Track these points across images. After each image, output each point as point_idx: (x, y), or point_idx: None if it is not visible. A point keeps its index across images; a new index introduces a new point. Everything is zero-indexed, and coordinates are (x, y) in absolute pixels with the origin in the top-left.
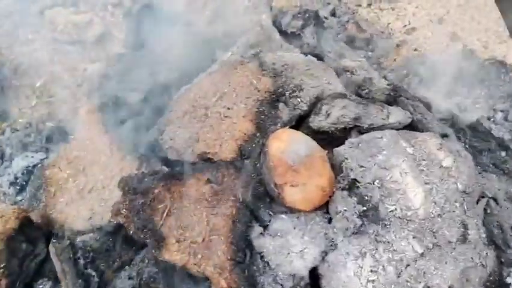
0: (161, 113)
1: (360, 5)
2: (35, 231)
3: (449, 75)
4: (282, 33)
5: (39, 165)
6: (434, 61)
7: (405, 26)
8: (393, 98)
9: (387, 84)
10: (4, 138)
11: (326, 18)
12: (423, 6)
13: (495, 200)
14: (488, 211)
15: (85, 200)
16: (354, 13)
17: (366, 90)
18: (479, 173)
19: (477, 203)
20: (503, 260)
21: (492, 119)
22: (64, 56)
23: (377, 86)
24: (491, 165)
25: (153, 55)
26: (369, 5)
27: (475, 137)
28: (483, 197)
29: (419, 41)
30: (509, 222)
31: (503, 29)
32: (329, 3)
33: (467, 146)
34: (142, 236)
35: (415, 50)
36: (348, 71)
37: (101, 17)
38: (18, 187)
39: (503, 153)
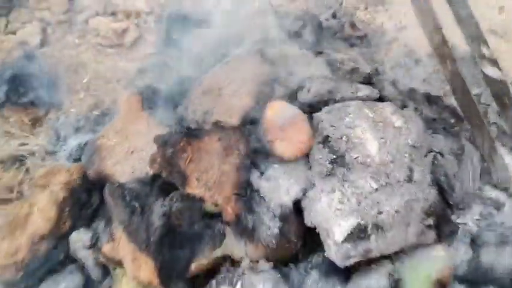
0: (186, 96)
1: (358, 8)
2: (91, 185)
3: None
4: (285, 32)
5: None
6: (417, 54)
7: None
8: (369, 80)
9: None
10: (59, 124)
11: (326, 20)
12: None
13: (441, 154)
14: (436, 163)
15: (129, 160)
16: (352, 15)
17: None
18: (430, 135)
19: (426, 156)
20: (451, 202)
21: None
22: (106, 57)
23: (359, 73)
24: (441, 129)
25: (179, 53)
26: (366, 8)
27: (430, 107)
28: (431, 152)
29: (408, 37)
30: (453, 170)
31: None
32: (330, 8)
33: (422, 114)
34: (171, 177)
35: (404, 45)
36: (338, 62)
37: (136, 24)
38: (73, 159)
39: (453, 120)
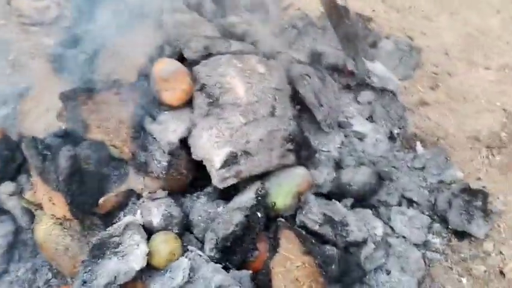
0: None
1: None
2: (14, 145)
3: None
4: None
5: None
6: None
7: None
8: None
9: None
10: None
11: None
12: None
13: (309, 76)
14: (305, 83)
15: (43, 118)
16: None
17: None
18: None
19: (291, 97)
20: (320, 117)
21: None
22: (29, 35)
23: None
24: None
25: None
26: None
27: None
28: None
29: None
30: (318, 88)
31: None
32: None
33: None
34: (75, 126)
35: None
36: (230, 25)
37: (57, 2)
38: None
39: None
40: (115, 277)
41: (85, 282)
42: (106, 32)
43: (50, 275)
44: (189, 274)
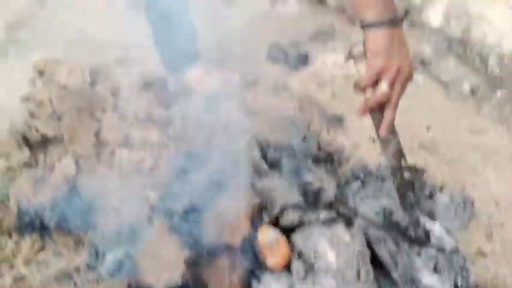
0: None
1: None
2: None
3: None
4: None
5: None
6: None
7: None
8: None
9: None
10: (97, 240)
11: (298, 144)
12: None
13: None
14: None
15: (160, 272)
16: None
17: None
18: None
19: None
20: (396, 277)
21: None
22: (129, 182)
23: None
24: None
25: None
26: (328, 130)
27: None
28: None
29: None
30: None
31: None
32: (300, 133)
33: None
34: (196, 286)
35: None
36: (307, 184)
37: (151, 154)
38: (111, 272)
39: None
40: None
41: None
42: (202, 193)
43: None
44: None
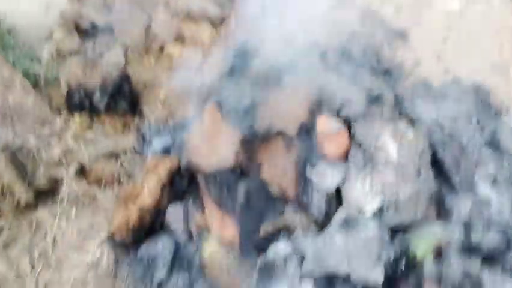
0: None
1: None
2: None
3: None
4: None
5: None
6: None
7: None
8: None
9: None
10: (144, 129)
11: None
12: None
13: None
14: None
15: (211, 155)
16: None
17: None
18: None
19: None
20: (455, 181)
21: None
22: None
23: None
24: None
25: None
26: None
27: None
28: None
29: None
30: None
31: None
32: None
33: None
34: (249, 166)
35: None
36: (367, 89)
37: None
38: None
39: None
40: None
41: None
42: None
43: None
44: None
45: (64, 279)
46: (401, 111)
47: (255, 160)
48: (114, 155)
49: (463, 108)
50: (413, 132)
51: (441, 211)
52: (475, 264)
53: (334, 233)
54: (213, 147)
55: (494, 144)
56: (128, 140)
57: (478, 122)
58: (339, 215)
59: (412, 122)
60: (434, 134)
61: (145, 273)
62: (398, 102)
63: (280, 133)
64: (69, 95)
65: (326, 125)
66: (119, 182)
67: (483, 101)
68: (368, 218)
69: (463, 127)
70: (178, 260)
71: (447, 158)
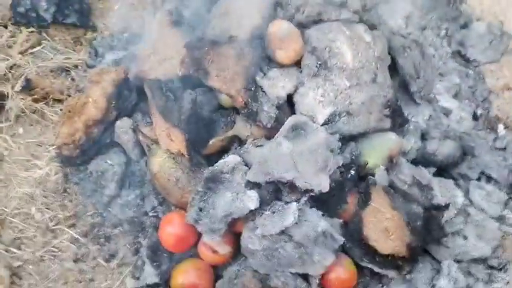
0: (206, 17)
1: None
2: (131, 85)
3: None
4: None
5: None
6: None
7: None
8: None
9: None
10: (96, 43)
11: None
12: None
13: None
14: (406, 54)
15: (161, 66)
16: None
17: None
18: None
19: (388, 67)
20: (414, 88)
21: None
22: None
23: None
24: None
25: None
26: None
27: None
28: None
29: None
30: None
31: None
32: None
33: None
34: (196, 73)
35: None
36: None
37: None
38: None
39: None
40: (231, 211)
41: (201, 209)
42: None
43: (156, 202)
44: (298, 217)
45: (11, 195)
46: (364, 18)
47: (203, 68)
48: (64, 70)
49: (432, 16)
50: (371, 36)
51: (398, 120)
52: (426, 173)
53: (281, 141)
54: (161, 57)
55: (460, 54)
56: (80, 55)
57: (446, 31)
58: (289, 123)
59: (374, 27)
60: (396, 39)
61: (95, 189)
62: (363, 9)
63: (231, 39)
64: (13, 5)
65: (279, 29)
66: (69, 97)
67: (453, 9)
68: (318, 126)
69: (430, 35)
70: (130, 175)
71: (406, 64)
